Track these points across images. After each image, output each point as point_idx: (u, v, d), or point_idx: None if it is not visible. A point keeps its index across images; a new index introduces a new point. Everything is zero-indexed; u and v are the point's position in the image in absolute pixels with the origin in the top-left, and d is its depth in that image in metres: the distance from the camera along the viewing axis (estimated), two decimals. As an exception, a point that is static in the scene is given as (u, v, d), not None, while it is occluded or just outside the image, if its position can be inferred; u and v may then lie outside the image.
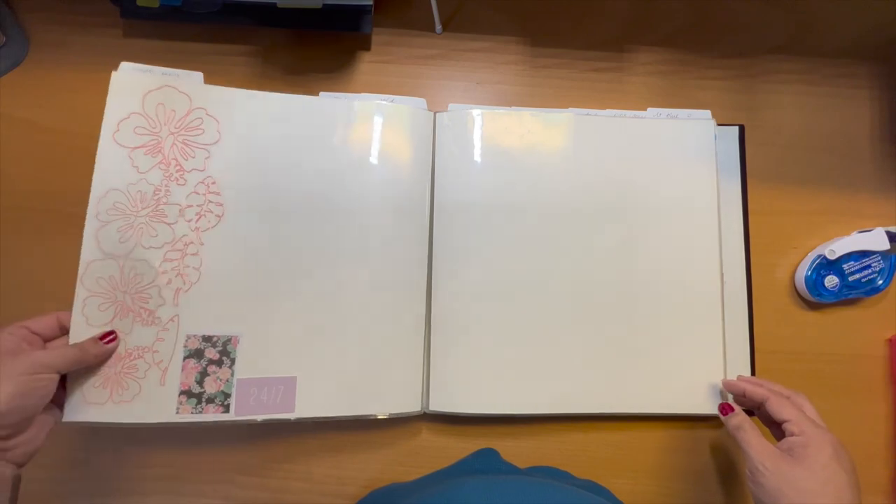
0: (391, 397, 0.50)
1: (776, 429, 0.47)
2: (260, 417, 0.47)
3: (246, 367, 0.48)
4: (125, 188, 0.48)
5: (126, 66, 0.50)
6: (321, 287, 0.51)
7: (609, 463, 0.53)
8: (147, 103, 0.49)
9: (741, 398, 0.50)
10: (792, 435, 0.44)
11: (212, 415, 0.46)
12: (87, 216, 0.47)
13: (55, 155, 0.56)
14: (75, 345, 0.45)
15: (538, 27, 0.60)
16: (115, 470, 0.52)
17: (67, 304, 0.53)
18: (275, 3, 0.55)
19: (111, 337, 0.46)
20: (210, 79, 0.57)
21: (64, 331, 0.46)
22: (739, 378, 0.51)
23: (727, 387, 0.51)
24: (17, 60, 0.57)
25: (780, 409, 0.45)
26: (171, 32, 0.58)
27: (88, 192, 0.55)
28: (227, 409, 0.47)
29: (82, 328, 0.46)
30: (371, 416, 0.50)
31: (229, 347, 0.48)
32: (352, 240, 0.51)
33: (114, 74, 0.50)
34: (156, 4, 0.56)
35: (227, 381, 0.47)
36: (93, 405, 0.45)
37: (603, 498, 0.48)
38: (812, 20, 0.60)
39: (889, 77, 0.60)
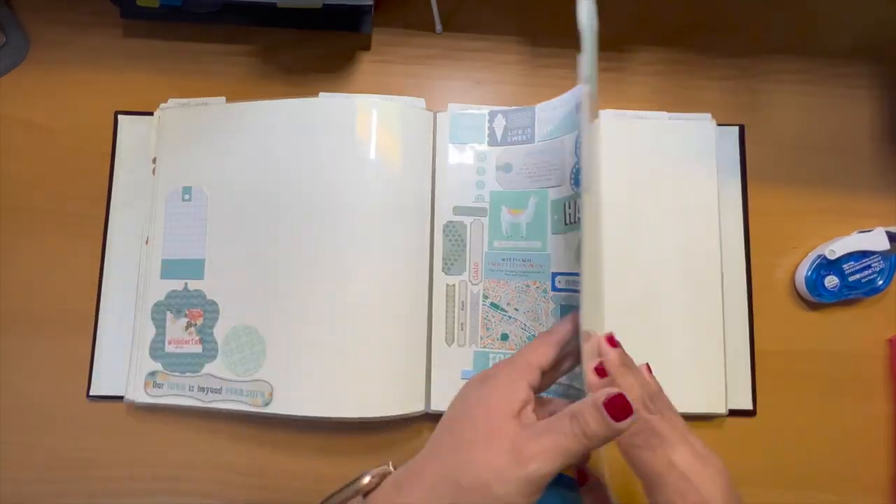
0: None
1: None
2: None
3: None
4: None
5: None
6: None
7: (608, 462, 0.53)
8: None
9: None
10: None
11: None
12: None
13: (55, 155, 0.56)
14: (575, 422, 0.29)
15: (538, 27, 0.60)
16: (115, 470, 0.52)
17: (66, 305, 0.54)
18: (275, 3, 0.55)
19: (623, 407, 0.29)
20: (210, 79, 0.57)
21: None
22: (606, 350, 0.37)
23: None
24: (17, 60, 0.57)
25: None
26: (171, 32, 0.58)
27: (88, 192, 0.55)
28: None
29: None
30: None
31: None
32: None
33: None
34: (156, 4, 0.56)
35: None
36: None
37: None
38: (812, 20, 0.60)
39: (889, 77, 0.60)
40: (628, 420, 0.29)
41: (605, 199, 0.54)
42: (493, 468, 0.28)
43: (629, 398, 0.30)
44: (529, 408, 0.31)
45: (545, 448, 0.28)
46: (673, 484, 0.32)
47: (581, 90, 0.36)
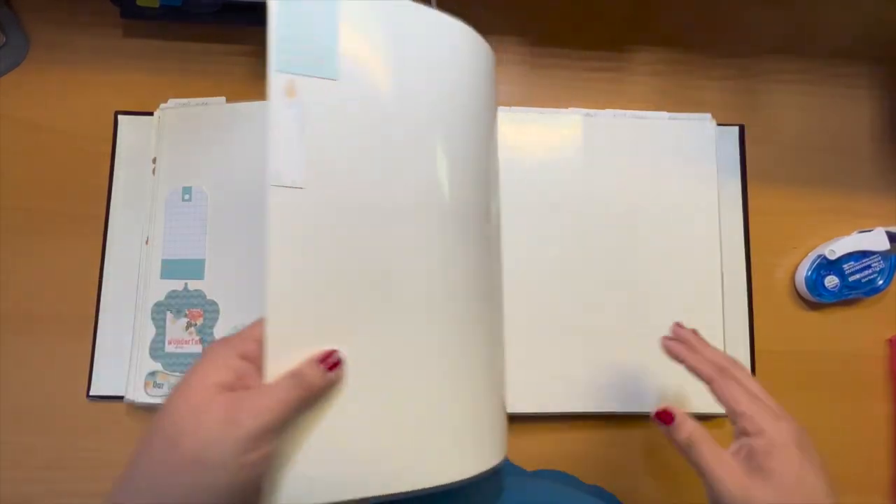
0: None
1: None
2: None
3: None
4: None
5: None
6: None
7: (610, 463, 0.53)
8: None
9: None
10: (747, 435, 0.35)
11: None
12: None
13: (55, 155, 0.56)
14: (295, 378, 0.32)
15: (538, 27, 0.60)
16: (115, 470, 0.52)
17: (66, 305, 0.54)
18: (275, 3, 0.55)
19: (334, 360, 0.33)
20: (210, 79, 0.57)
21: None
22: (678, 333, 0.42)
23: (667, 347, 0.42)
24: (17, 60, 0.57)
25: (730, 395, 0.36)
26: (171, 32, 0.58)
27: (88, 191, 0.55)
28: None
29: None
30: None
31: None
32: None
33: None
34: (156, 4, 0.56)
35: None
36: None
37: None
38: (812, 20, 0.60)
39: (889, 77, 0.60)
40: (339, 370, 0.33)
41: (604, 200, 0.54)
42: (203, 439, 0.28)
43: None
44: (245, 377, 0.32)
45: (267, 404, 0.30)
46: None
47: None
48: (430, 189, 0.38)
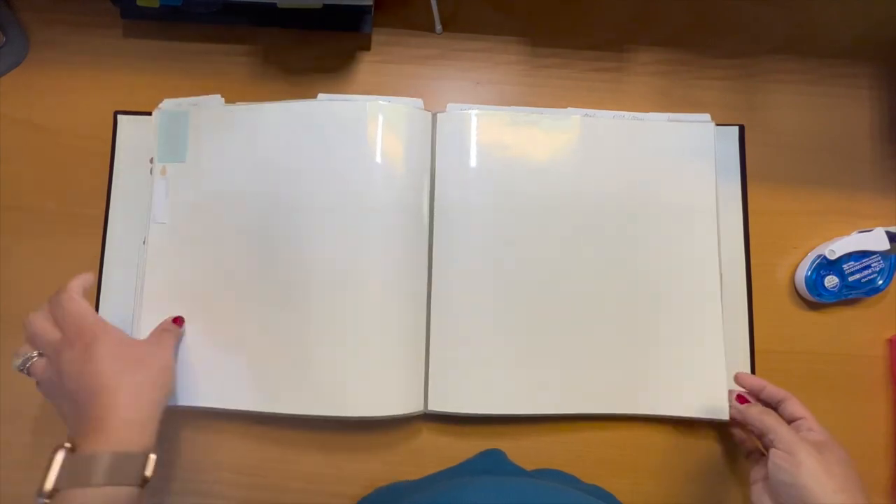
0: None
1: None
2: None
3: None
4: None
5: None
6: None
7: (610, 463, 0.53)
8: None
9: (758, 394, 0.50)
10: (810, 430, 0.46)
11: None
12: None
13: (55, 155, 0.56)
14: (169, 333, 0.50)
15: (538, 27, 0.60)
16: (115, 470, 0.52)
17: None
18: (275, 3, 0.55)
19: (181, 321, 0.52)
20: (210, 79, 0.57)
21: None
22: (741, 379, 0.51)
23: (743, 381, 0.51)
24: (17, 60, 0.57)
25: (798, 406, 0.47)
26: (171, 32, 0.58)
27: (88, 191, 0.55)
28: None
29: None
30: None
31: None
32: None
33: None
34: (156, 4, 0.56)
35: None
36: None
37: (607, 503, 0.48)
38: (812, 20, 0.60)
39: (889, 77, 0.60)
40: (184, 326, 0.51)
41: (603, 200, 0.54)
42: (162, 357, 0.47)
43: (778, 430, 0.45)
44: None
45: (161, 337, 0.49)
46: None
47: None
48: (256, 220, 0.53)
